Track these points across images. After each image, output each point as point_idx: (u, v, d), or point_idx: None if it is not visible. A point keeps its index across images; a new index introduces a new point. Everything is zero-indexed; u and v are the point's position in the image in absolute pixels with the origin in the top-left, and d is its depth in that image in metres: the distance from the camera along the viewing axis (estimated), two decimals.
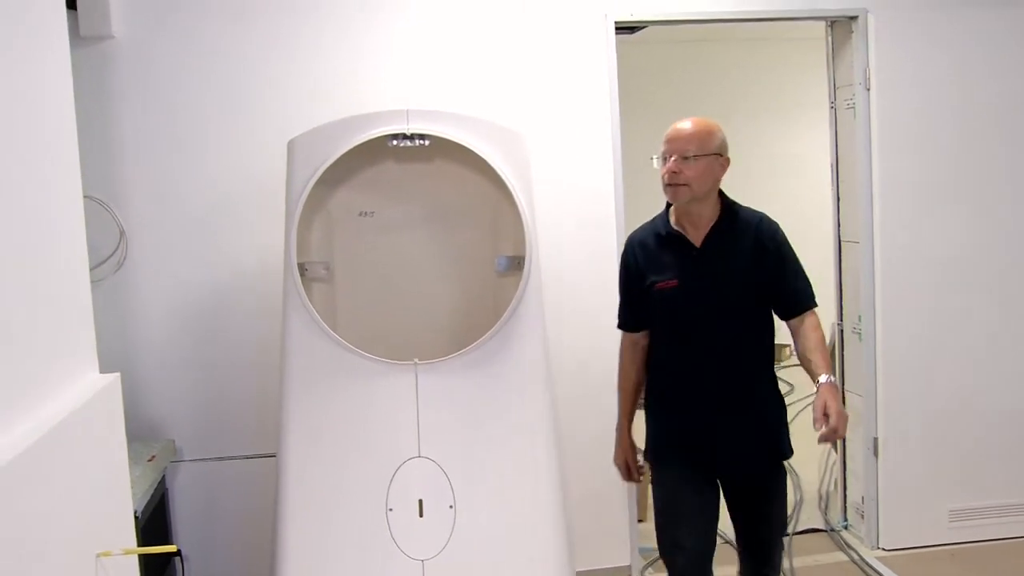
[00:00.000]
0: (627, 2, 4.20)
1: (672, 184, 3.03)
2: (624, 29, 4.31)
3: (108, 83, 3.88)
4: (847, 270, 4.71)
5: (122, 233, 3.88)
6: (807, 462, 5.53)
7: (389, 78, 4.04)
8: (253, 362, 3.95)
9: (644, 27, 4.46)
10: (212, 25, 3.93)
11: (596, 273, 4.19)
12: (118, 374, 2.51)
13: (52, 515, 1.92)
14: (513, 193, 3.24)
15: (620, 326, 3.31)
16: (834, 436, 2.99)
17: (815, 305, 3.14)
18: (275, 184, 3.58)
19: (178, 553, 3.69)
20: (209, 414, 4.00)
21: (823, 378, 3.04)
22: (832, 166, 4.74)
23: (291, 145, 3.28)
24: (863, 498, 4.64)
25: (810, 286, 3.15)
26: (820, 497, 5.17)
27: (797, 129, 8.42)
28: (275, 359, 3.35)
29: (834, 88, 4.70)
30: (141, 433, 3.85)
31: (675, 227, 3.12)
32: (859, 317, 4.58)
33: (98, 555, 2.17)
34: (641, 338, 3.27)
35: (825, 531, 4.83)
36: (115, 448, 2.48)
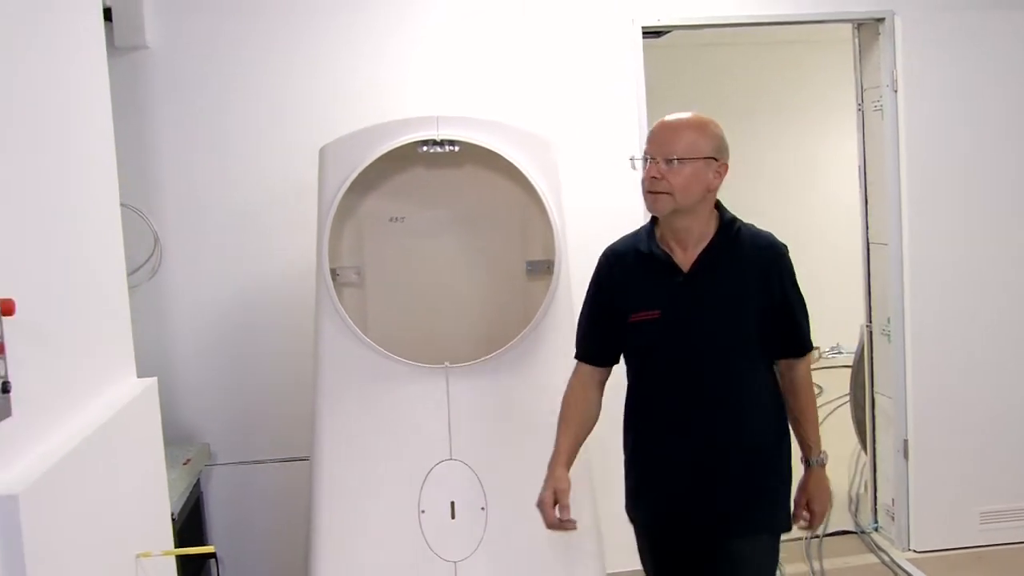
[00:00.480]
0: (654, 7, 4.22)
1: (652, 192, 2.52)
2: (650, 33, 4.33)
3: (142, 92, 3.94)
4: (875, 272, 4.70)
5: (156, 240, 3.94)
6: (836, 464, 5.50)
7: (414, 83, 4.08)
8: (286, 366, 3.99)
9: (669, 31, 4.47)
10: (239, 34, 3.98)
11: None
12: (155, 378, 2.56)
13: (95, 516, 1.96)
14: (542, 198, 3.27)
15: (578, 356, 2.78)
16: (811, 529, 2.85)
17: (812, 348, 2.71)
18: (305, 190, 3.63)
19: (214, 555, 3.74)
20: (243, 418, 4.05)
21: (815, 459, 2.69)
22: (860, 168, 4.73)
23: (323, 152, 3.32)
24: (893, 500, 4.63)
25: (809, 328, 2.70)
26: (850, 499, 5.16)
27: (822, 130, 8.40)
28: (307, 363, 3.39)
29: (861, 90, 4.69)
30: (176, 437, 3.90)
31: (660, 245, 2.62)
32: (888, 319, 4.58)
33: (138, 556, 2.21)
34: (599, 374, 2.75)
35: (855, 533, 4.82)
36: (153, 451, 2.53)
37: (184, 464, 3.61)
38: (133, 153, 3.87)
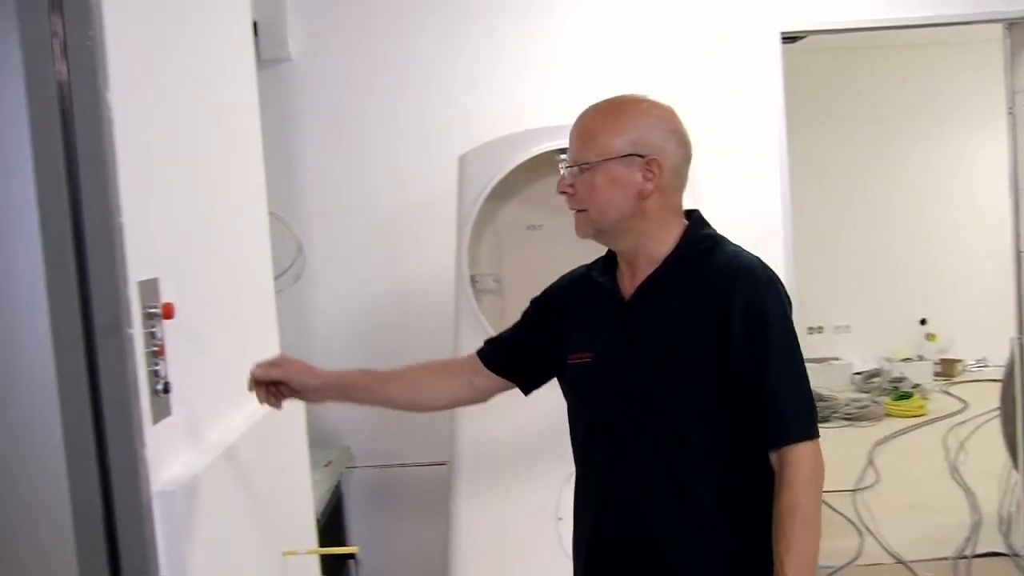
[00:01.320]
0: (793, 12, 4.14)
1: (571, 209, 1.97)
2: (787, 39, 4.25)
3: (285, 103, 4.05)
4: None
5: (299, 247, 4.03)
6: (985, 480, 5.33)
7: (553, 90, 4.08)
8: None
9: (806, 36, 4.38)
10: (379, 45, 4.06)
11: None
12: None
13: (246, 513, 2.02)
14: None
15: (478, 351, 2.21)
16: None
17: (807, 437, 1.78)
18: (444, 197, 3.66)
19: (354, 556, 3.80)
20: (382, 422, 4.10)
21: None
22: (1011, 174, 4.55)
23: (462, 160, 3.36)
24: None
25: (806, 404, 1.82)
26: (1000, 519, 4.95)
27: (963, 135, 8.14)
28: None
29: (1012, 93, 4.51)
30: (318, 439, 3.97)
31: (617, 270, 2.01)
32: None
33: (284, 554, 2.27)
34: (473, 375, 2.19)
35: (1007, 555, 4.61)
36: (299, 452, 2.59)
37: (326, 466, 3.69)
38: (277, 162, 3.97)
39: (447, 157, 3.57)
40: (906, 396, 7.48)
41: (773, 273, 1.90)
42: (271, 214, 2.78)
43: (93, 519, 1.51)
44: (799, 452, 1.77)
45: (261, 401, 1.98)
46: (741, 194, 4.13)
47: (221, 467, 1.83)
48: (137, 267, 1.55)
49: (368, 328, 4.10)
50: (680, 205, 1.98)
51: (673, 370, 1.85)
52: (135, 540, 1.54)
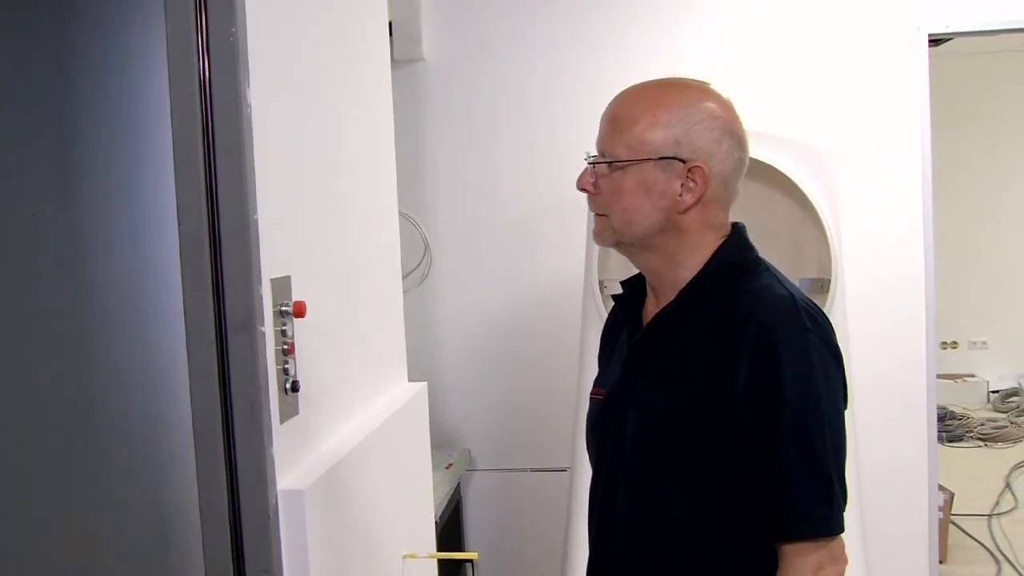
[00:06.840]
0: (942, 13, 3.97)
1: (591, 211, 1.68)
2: (933, 41, 4.07)
3: (417, 103, 4.06)
4: None
5: (426, 247, 4.04)
6: None
7: None
8: (549, 376, 3.99)
9: (951, 39, 4.19)
10: (512, 46, 4.02)
11: (899, 297, 3.97)
12: (425, 383, 2.61)
13: (369, 514, 2.01)
14: (820, 214, 3.14)
15: None
16: None
17: (815, 536, 1.45)
18: (576, 200, 3.62)
19: (472, 561, 3.79)
20: (504, 425, 4.09)
21: None
22: None
23: None
24: None
25: (820, 494, 1.45)
26: None
27: None
28: (572, 374, 3.38)
29: None
30: (439, 441, 3.97)
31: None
32: None
33: (404, 556, 2.25)
34: None
35: None
36: (421, 454, 2.58)
37: (447, 468, 3.68)
38: (406, 161, 3.98)
39: (578, 160, 3.52)
40: None
41: (813, 317, 1.50)
42: (400, 214, 2.79)
43: (220, 516, 1.51)
44: (801, 554, 1.45)
45: None
46: (880, 202, 3.98)
47: (345, 468, 1.82)
48: (270, 264, 1.55)
49: (493, 331, 4.08)
50: (725, 222, 1.63)
51: (662, 427, 1.54)
52: (260, 538, 1.53)
